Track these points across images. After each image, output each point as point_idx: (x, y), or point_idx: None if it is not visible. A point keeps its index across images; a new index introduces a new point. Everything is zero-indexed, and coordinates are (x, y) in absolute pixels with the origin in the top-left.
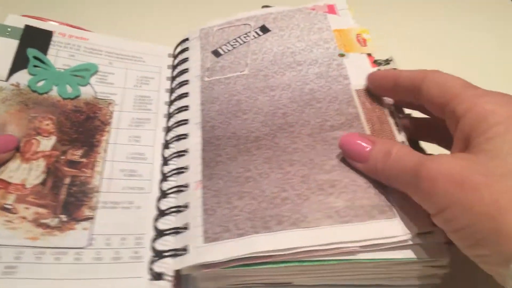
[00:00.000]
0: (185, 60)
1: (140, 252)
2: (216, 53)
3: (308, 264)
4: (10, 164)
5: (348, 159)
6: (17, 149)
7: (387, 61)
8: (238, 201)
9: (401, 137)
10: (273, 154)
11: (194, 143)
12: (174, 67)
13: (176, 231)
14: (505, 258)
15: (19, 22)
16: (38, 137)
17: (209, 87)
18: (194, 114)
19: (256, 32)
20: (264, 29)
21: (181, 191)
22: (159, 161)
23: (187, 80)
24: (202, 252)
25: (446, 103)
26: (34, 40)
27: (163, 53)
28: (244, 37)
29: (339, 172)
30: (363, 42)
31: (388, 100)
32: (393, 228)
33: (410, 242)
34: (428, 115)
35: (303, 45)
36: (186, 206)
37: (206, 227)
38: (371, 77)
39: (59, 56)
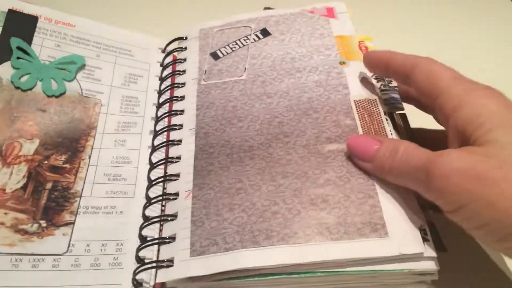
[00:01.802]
0: (182, 60)
1: (120, 259)
2: (214, 56)
3: (296, 276)
4: None
5: (356, 158)
6: None
7: None
8: (228, 213)
9: None
10: (266, 165)
11: (187, 150)
12: (166, 65)
13: (162, 241)
14: None
15: (1, 4)
16: (21, 140)
17: (205, 91)
18: (189, 119)
19: (256, 35)
20: (265, 32)
21: (170, 199)
22: (144, 165)
23: (183, 83)
24: (188, 266)
25: (435, 97)
26: (18, 27)
27: (152, 46)
28: (244, 40)
29: (333, 187)
30: (365, 50)
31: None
32: (384, 248)
33: (401, 258)
34: (419, 104)
35: (303, 51)
36: (174, 216)
37: (193, 239)
38: (366, 56)
39: (45, 46)
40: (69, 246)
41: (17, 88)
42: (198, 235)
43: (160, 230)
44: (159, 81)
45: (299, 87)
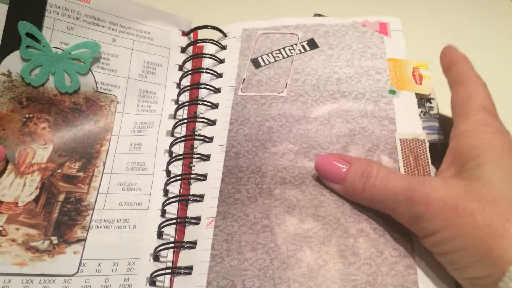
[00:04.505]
0: (220, 61)
1: (130, 280)
2: (255, 63)
3: None
4: (4, 180)
5: (324, 180)
6: (12, 160)
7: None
8: (250, 253)
9: None
10: (297, 204)
11: (215, 169)
12: (186, 60)
13: (178, 271)
14: (493, 281)
15: None
16: (34, 146)
17: (241, 104)
18: (220, 134)
19: (302, 46)
20: (312, 44)
21: (192, 223)
22: (160, 172)
23: (219, 88)
24: None
25: (457, 114)
26: (26, 5)
27: (173, 27)
28: (289, 49)
29: (365, 240)
30: (419, 78)
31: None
32: None
33: None
34: None
35: (351, 72)
36: (194, 244)
37: (211, 277)
38: (447, 48)
39: (56, 30)
40: (80, 265)
41: (28, 84)
42: (216, 273)
43: (177, 254)
44: (179, 72)
45: (342, 115)
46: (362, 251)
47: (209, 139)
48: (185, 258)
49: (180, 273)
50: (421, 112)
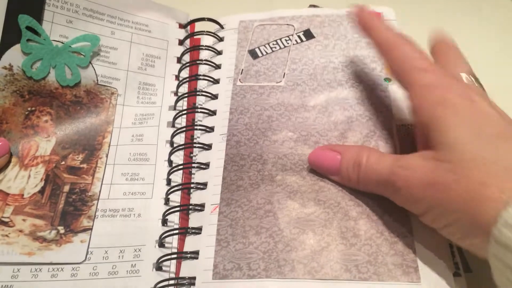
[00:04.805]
0: (218, 52)
1: (137, 266)
2: (253, 54)
3: None
4: (9, 172)
5: (322, 173)
6: (16, 153)
7: None
8: (254, 237)
9: None
10: (298, 189)
11: (217, 158)
12: (185, 52)
13: (185, 256)
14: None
15: None
16: (37, 138)
17: (240, 94)
18: (220, 123)
19: (298, 36)
20: (308, 34)
21: (196, 210)
22: (162, 162)
23: (218, 79)
24: None
25: (405, 86)
26: None
27: (171, 20)
28: (286, 40)
29: (365, 221)
30: None
31: None
32: None
33: None
34: None
35: (347, 61)
36: (199, 229)
37: (217, 260)
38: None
39: (56, 23)
40: (87, 254)
41: (29, 78)
42: (222, 256)
43: (181, 240)
44: (178, 64)
45: (339, 103)
46: (363, 233)
47: (210, 129)
48: (190, 243)
49: (186, 258)
50: None
